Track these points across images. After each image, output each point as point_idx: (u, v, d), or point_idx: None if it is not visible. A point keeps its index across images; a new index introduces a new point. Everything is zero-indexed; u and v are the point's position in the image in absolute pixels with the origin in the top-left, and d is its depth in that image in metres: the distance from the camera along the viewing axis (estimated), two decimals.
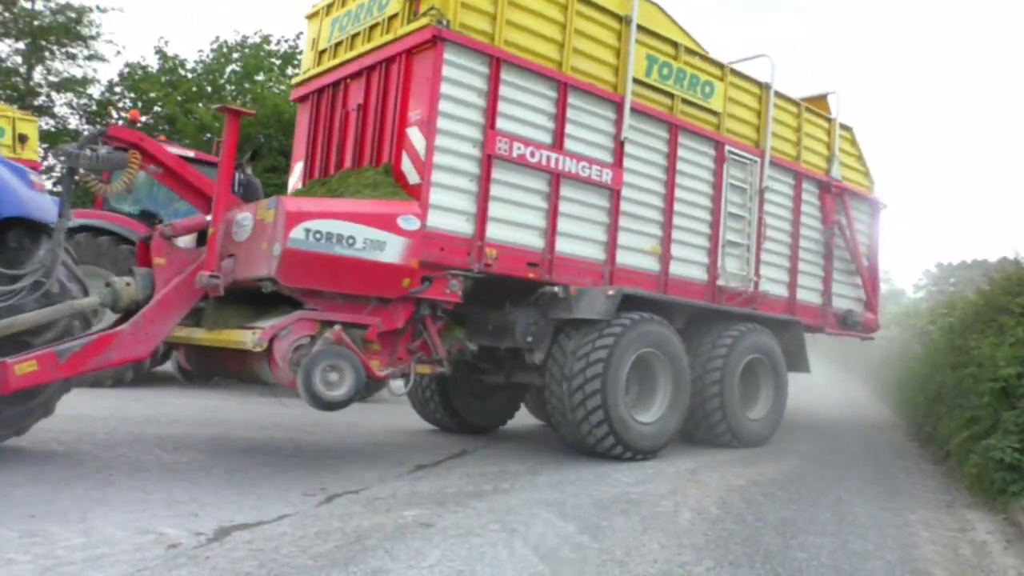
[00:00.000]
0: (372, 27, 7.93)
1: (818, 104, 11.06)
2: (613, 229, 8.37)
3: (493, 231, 7.48)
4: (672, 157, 8.93)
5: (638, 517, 5.67)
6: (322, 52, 8.66)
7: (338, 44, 8.39)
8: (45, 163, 18.75)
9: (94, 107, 20.45)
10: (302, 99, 8.91)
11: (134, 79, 19.91)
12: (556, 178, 7.89)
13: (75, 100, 20.79)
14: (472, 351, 7.79)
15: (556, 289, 7.71)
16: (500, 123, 7.52)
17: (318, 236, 6.35)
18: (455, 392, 9.44)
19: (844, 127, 11.26)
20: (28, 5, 20.99)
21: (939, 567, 5.04)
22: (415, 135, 7.17)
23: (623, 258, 8.44)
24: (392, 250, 6.71)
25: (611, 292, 7.71)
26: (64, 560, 4.18)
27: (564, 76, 7.96)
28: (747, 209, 9.78)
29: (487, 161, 7.42)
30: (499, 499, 6.01)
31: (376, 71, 7.75)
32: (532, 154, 7.73)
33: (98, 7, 21.51)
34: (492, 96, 7.44)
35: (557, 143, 7.92)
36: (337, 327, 6.50)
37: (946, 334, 11.33)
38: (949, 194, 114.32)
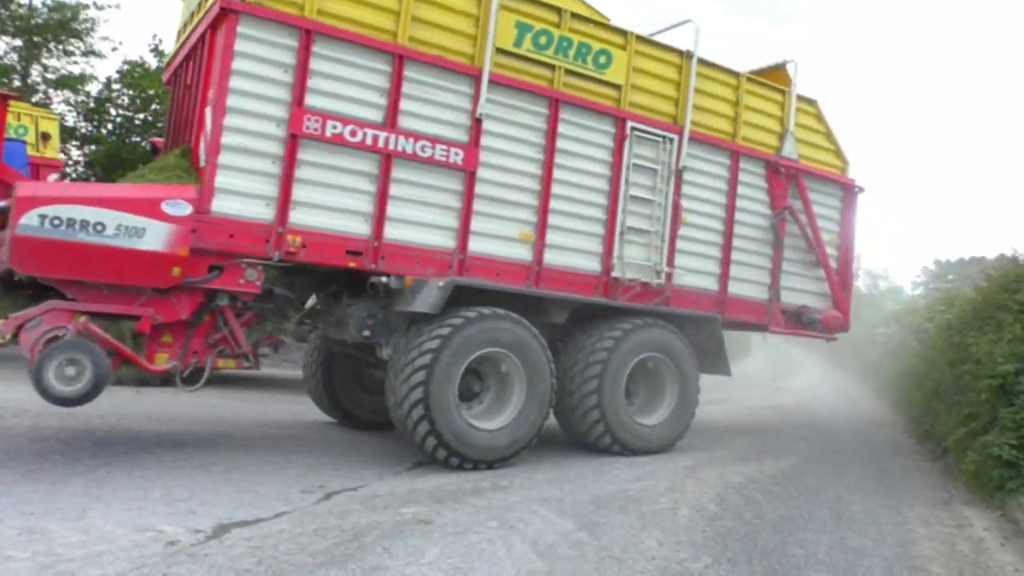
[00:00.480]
0: (201, 3, 7.49)
1: (775, 76, 9.70)
2: (466, 214, 7.51)
3: (299, 216, 6.81)
4: (552, 135, 7.94)
5: (636, 514, 5.68)
6: (179, 32, 8.42)
7: (186, 23, 8.08)
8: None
9: (92, 104, 20.40)
10: (167, 82, 8.77)
11: (133, 76, 19.87)
12: (387, 159, 7.14)
13: (73, 97, 20.72)
14: (283, 344, 7.44)
15: (385, 280, 7.06)
16: (311, 100, 6.84)
17: (56, 222, 5.94)
18: (342, 384, 9.03)
19: (805, 100, 9.79)
20: (25, 0, 20.97)
21: (937, 564, 5.05)
22: (208, 115, 6.64)
23: (479, 246, 7.59)
24: (153, 237, 6.21)
25: (441, 283, 6.95)
26: (63, 557, 4.18)
27: (400, 48, 7.17)
28: (658, 192, 8.58)
29: (292, 141, 6.75)
30: (497, 496, 6.02)
31: (196, 49, 7.44)
32: (353, 133, 6.99)
33: (95, 3, 21.50)
34: (301, 71, 6.77)
35: (389, 121, 7.15)
36: (83, 318, 6.14)
37: (944, 331, 11.34)
38: (948, 191, 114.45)
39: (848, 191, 10.13)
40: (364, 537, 4.82)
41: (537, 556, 4.65)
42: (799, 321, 9.64)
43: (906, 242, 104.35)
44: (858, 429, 11.32)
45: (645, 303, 8.42)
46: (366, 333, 7.28)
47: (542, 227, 7.95)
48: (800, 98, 9.69)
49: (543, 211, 7.95)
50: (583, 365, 7.93)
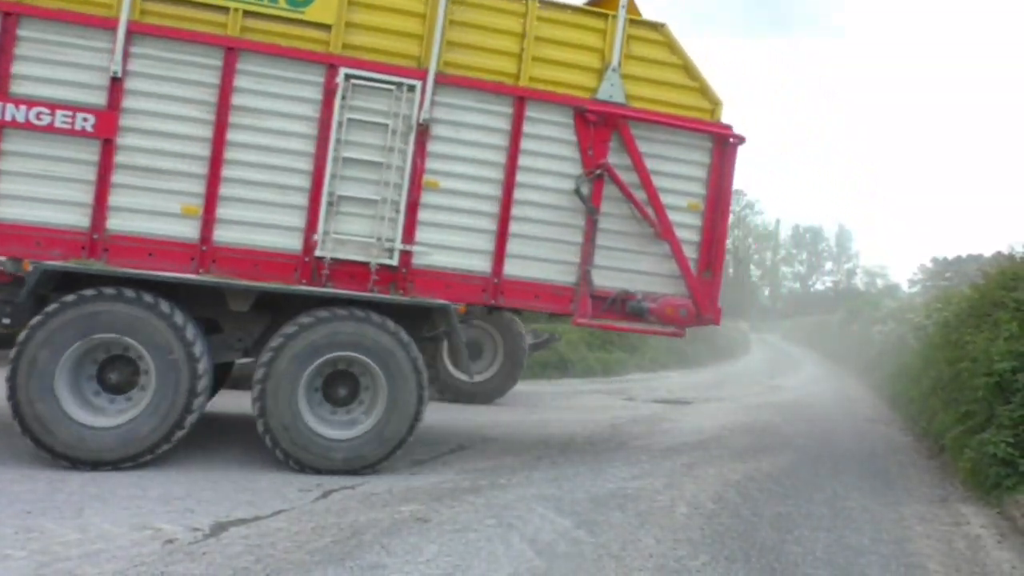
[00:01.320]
0: None
1: (608, 4, 7.63)
2: (102, 187, 6.64)
3: None
4: (225, 90, 6.81)
5: (634, 512, 5.69)
6: None
7: None
8: None
9: None
10: None
11: None
12: None
13: None
14: None
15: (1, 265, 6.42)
16: None
17: None
18: None
19: (645, 25, 7.55)
20: None
21: (934, 561, 5.07)
22: None
23: (123, 223, 6.69)
24: None
25: (30, 267, 6.27)
26: (60, 556, 4.18)
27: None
28: (391, 153, 7.07)
29: None
30: (496, 494, 6.02)
31: None
32: None
33: None
34: None
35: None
36: None
37: (941, 329, 11.37)
38: (946, 189, 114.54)
39: (719, 142, 7.59)
40: (362, 535, 4.82)
41: (535, 554, 4.65)
42: (621, 309, 7.49)
43: (904, 240, 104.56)
44: (856, 427, 11.35)
45: (380, 288, 7.02)
46: (5, 320, 6.51)
47: (211, 198, 6.83)
48: (636, 23, 7.51)
49: (213, 180, 6.82)
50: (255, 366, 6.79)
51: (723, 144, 7.63)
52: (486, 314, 8.51)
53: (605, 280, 7.49)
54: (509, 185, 7.34)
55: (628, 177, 7.44)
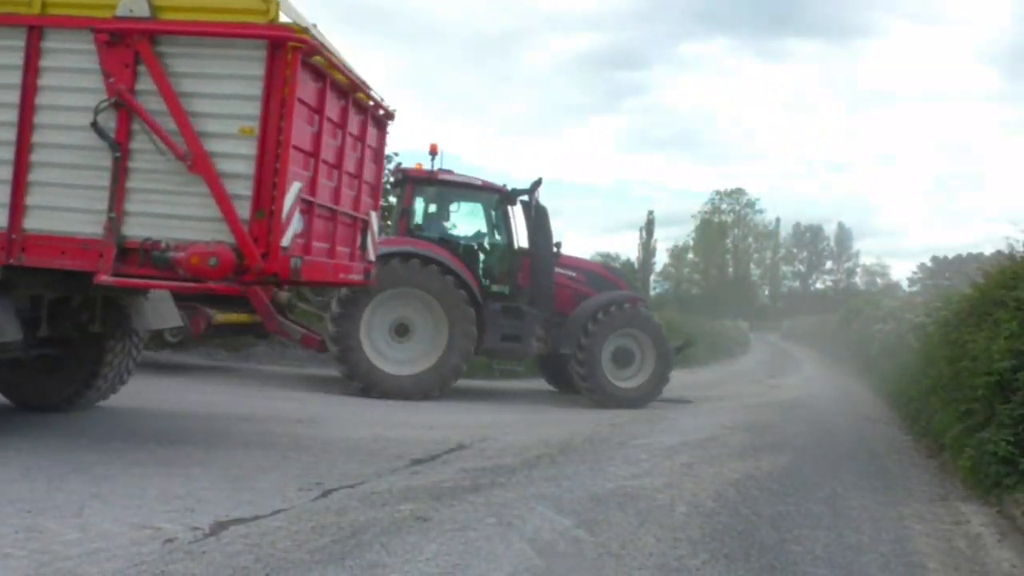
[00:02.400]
0: None
1: None
2: None
3: None
4: None
5: (634, 511, 5.69)
6: None
7: None
8: None
9: None
10: None
11: None
12: None
13: None
14: None
15: None
16: None
17: None
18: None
19: None
20: None
21: (933, 560, 5.06)
22: None
23: None
24: None
25: None
26: (60, 555, 4.18)
27: None
28: None
29: None
30: (495, 493, 6.02)
31: None
32: None
33: None
34: None
35: None
36: None
37: (941, 328, 11.37)
38: (945, 188, 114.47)
39: (274, 48, 6.09)
40: (362, 534, 4.82)
41: (535, 553, 4.65)
42: (149, 263, 6.20)
43: (905, 239, 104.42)
44: (855, 426, 11.35)
45: None
46: None
47: None
48: None
49: None
50: None
51: (279, 51, 6.11)
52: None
53: (137, 229, 6.21)
54: (25, 127, 6.32)
55: (157, 104, 6.17)
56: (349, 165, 7.54)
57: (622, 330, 12.60)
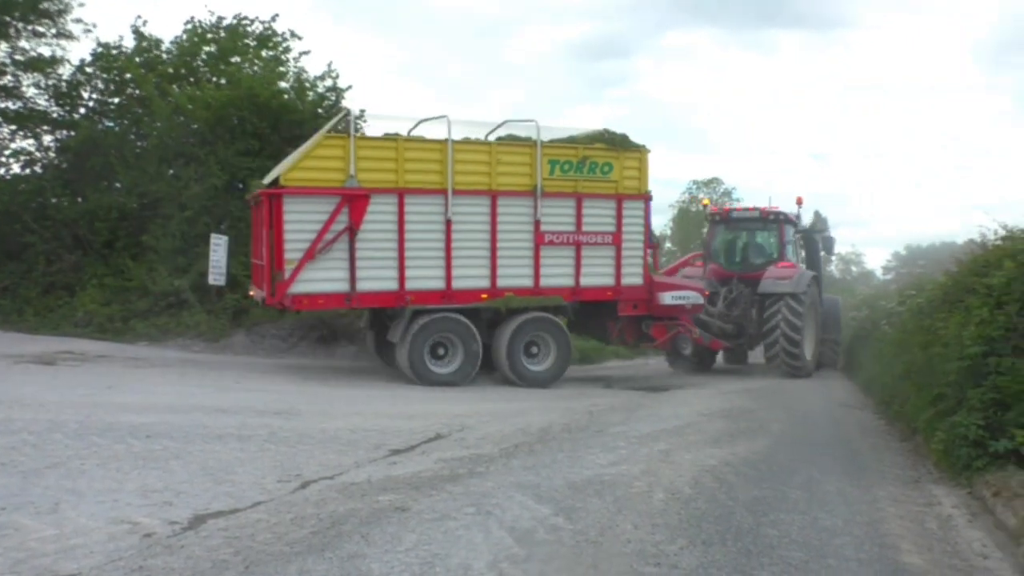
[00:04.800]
0: None
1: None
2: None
3: None
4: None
5: (612, 498, 5.73)
6: None
7: None
8: None
9: (64, 87, 19.91)
10: None
11: (108, 58, 19.45)
12: None
13: (43, 80, 20.22)
14: None
15: None
16: None
17: None
18: None
19: None
20: None
21: (906, 541, 5.15)
22: None
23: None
24: None
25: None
26: (37, 552, 4.15)
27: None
28: None
29: None
30: (474, 482, 6.05)
31: None
32: None
33: None
34: None
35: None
36: None
37: (914, 315, 11.49)
38: (920, 178, 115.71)
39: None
40: (341, 525, 4.83)
41: (514, 541, 4.68)
42: None
43: (879, 228, 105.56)
44: (830, 411, 11.48)
45: None
46: None
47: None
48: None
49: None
50: None
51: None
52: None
53: None
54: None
55: None
56: None
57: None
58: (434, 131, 12.79)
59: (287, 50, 20.74)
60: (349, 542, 4.52)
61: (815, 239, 18.26)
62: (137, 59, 19.67)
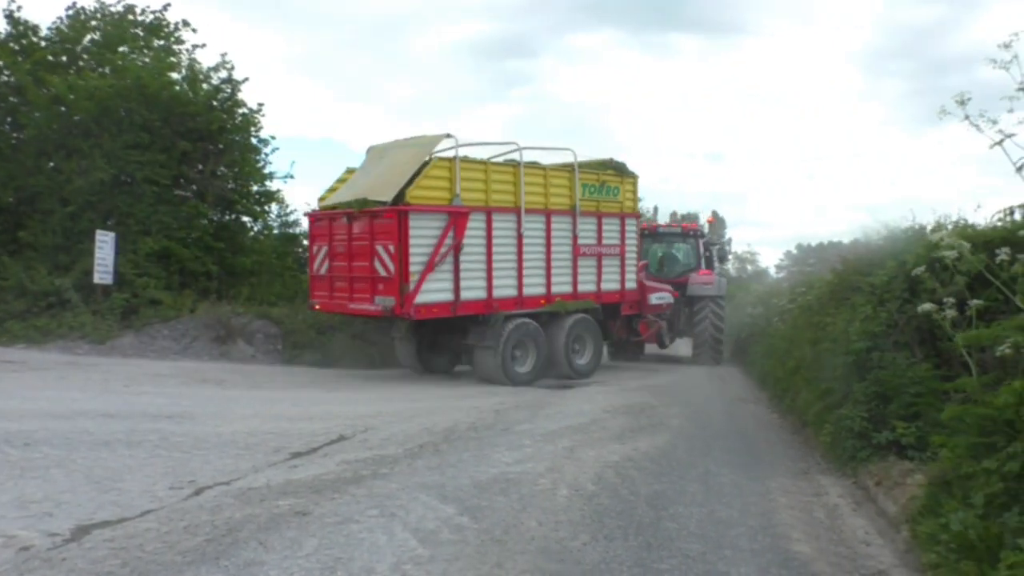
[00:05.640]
0: None
1: None
2: None
3: None
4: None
5: (517, 496, 5.74)
6: None
7: None
8: None
9: None
10: None
11: None
12: None
13: None
14: None
15: None
16: None
17: None
18: None
19: None
20: None
21: (796, 530, 5.37)
22: None
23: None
24: None
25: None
26: None
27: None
28: None
29: None
30: (378, 484, 5.95)
31: None
32: None
33: None
34: None
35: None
36: None
37: (804, 311, 11.99)
38: (810, 180, 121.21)
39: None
40: (238, 532, 4.66)
41: (418, 543, 4.63)
42: None
43: (774, 229, 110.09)
44: (727, 406, 11.86)
45: None
46: None
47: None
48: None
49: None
50: None
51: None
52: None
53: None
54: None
55: None
56: None
57: None
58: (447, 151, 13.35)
59: (179, 41, 19.95)
60: (246, 549, 4.36)
61: (711, 249, 21.75)
62: (12, 45, 18.47)
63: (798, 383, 10.20)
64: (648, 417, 9.79)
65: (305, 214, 15.38)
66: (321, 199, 14.24)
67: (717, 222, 24.88)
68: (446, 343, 14.62)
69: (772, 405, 11.58)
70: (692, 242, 20.99)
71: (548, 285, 14.46)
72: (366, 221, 12.74)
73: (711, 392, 13.52)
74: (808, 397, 9.28)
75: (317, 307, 14.11)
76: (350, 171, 14.38)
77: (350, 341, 16.07)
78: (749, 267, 74.41)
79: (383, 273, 12.59)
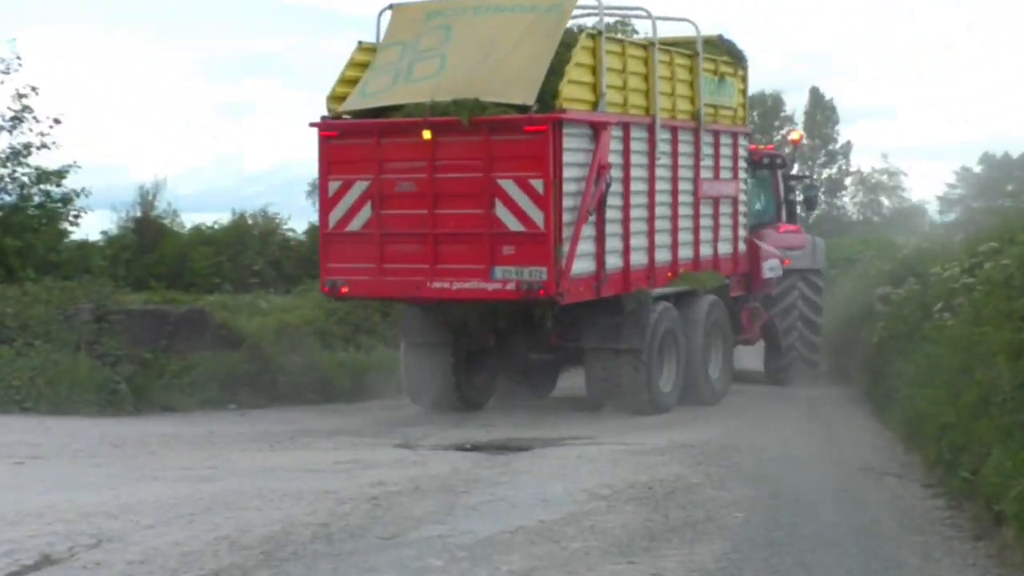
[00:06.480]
0: None
1: None
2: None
3: None
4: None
5: None
6: None
7: None
8: None
9: None
10: None
11: None
12: None
13: None
14: None
15: None
16: None
17: None
18: None
19: None
20: None
21: None
22: None
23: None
24: None
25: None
26: None
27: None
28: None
29: None
30: None
31: None
32: None
33: None
34: None
35: None
36: None
37: (999, 291, 8.46)
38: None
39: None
40: None
41: None
42: None
43: (911, 127, 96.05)
44: (840, 481, 7.11)
45: None
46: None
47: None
48: None
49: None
50: None
51: None
52: None
53: None
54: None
55: None
56: None
57: None
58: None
59: None
60: None
61: (796, 188, 13.90)
62: None
63: (986, 434, 5.55)
64: (683, 507, 5.18)
65: (316, 125, 8.90)
66: (335, 97, 8.79)
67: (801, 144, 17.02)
68: (497, 353, 9.46)
69: (931, 477, 6.53)
70: (767, 177, 12.93)
71: (675, 248, 9.78)
72: (479, 139, 8.05)
73: (805, 450, 7.75)
74: (1007, 463, 4.98)
75: (345, 290, 8.76)
76: (366, 49, 8.99)
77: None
78: (886, 200, 44.08)
79: (516, 227, 7.96)
